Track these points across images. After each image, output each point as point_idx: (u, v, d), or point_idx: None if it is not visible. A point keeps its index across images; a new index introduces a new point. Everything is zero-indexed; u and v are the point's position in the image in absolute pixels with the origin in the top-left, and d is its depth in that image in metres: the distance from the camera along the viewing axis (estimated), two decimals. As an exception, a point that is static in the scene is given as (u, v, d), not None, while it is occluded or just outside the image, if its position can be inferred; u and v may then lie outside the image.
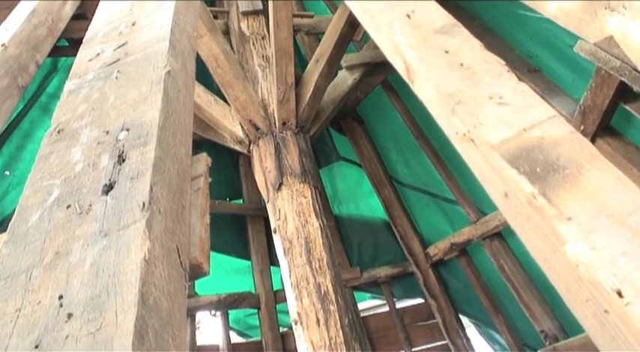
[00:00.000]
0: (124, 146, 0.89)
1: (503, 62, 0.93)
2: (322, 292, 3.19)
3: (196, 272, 0.86)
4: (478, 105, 0.76)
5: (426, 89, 1.02)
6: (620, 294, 0.49)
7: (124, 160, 0.86)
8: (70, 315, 0.66)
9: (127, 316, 0.63)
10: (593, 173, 0.61)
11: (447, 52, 1.03)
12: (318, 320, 3.14)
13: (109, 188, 0.82)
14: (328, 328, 3.11)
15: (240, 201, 5.55)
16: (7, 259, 0.78)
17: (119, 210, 0.78)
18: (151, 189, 0.79)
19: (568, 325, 4.30)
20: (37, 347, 0.64)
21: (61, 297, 0.69)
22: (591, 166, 0.62)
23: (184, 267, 0.80)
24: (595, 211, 0.58)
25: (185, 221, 0.87)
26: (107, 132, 0.95)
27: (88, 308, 0.66)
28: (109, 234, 0.74)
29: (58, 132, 1.01)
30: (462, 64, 0.96)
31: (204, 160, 1.06)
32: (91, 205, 0.80)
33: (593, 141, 3.37)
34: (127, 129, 0.93)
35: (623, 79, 2.60)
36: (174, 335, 0.70)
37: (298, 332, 3.23)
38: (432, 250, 5.10)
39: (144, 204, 0.76)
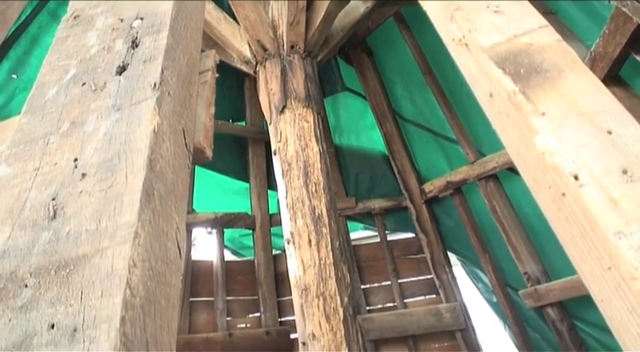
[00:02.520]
0: (137, 33, 0.94)
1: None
2: (316, 215, 3.29)
3: (199, 156, 0.92)
4: (475, 12, 0.80)
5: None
6: (576, 178, 0.55)
7: (137, 45, 0.91)
8: (84, 175, 0.72)
9: (136, 177, 0.69)
10: (571, 77, 0.66)
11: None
12: (310, 241, 3.24)
13: (122, 69, 0.87)
14: (319, 249, 3.22)
15: (243, 123, 5.58)
16: (26, 127, 0.84)
17: (132, 88, 0.83)
18: (162, 71, 0.84)
19: (551, 269, 4.42)
20: (53, 199, 0.71)
21: (76, 160, 0.75)
22: (571, 71, 0.67)
23: (189, 149, 0.87)
24: (567, 109, 0.63)
25: (192, 108, 0.92)
26: (122, 20, 0.99)
27: (100, 169, 0.72)
28: (121, 109, 0.80)
29: (75, 17, 1.04)
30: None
31: (212, 56, 1.10)
32: (105, 83, 0.86)
33: (598, 89, 3.37)
34: (141, 18, 0.97)
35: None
36: (176, 203, 0.77)
37: (290, 251, 3.34)
38: (427, 187, 5.18)
39: (155, 84, 0.81)
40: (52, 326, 0.57)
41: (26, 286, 0.62)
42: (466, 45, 0.76)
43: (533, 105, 0.64)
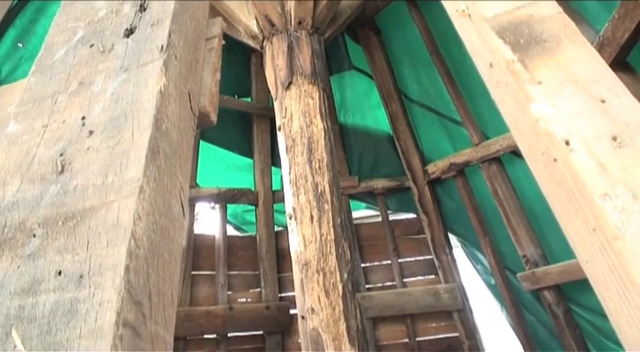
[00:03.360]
0: (145, -4, 0.95)
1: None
2: (319, 191, 3.31)
3: (204, 120, 0.94)
4: (479, -15, 0.81)
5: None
6: (567, 143, 0.57)
7: (145, 9, 0.92)
8: (91, 132, 0.75)
9: (142, 135, 0.71)
10: (569, 47, 0.67)
11: None
12: (312, 217, 3.27)
13: (130, 32, 0.88)
14: (321, 225, 3.25)
15: (249, 99, 5.58)
16: (35, 86, 0.86)
17: (139, 50, 0.84)
18: (169, 35, 0.85)
19: (550, 253, 4.45)
20: (61, 155, 0.73)
21: (83, 118, 0.77)
22: (569, 42, 0.68)
23: (194, 112, 0.88)
24: (563, 78, 0.64)
25: (198, 73, 0.94)
26: (130, -16, 1.00)
27: (107, 127, 0.74)
28: (129, 70, 0.82)
29: (83, -19, 1.05)
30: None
31: (219, 23, 1.12)
32: (113, 45, 0.87)
33: (605, 74, 3.36)
34: (150, -18, 0.98)
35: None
36: (181, 163, 0.79)
37: (292, 226, 3.38)
38: (430, 168, 5.19)
39: (162, 46, 0.83)
40: (59, 273, 0.60)
41: (34, 236, 0.65)
42: (469, 16, 0.77)
43: (531, 74, 0.65)
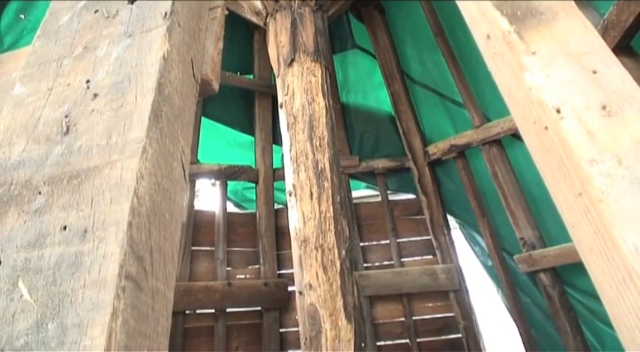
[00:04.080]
0: (149, -36, 0.95)
1: None
2: (319, 168, 3.32)
3: (206, 88, 0.95)
4: (480, -42, 0.82)
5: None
6: (558, 111, 0.59)
7: (149, -24, 0.93)
8: (95, 95, 0.76)
9: (145, 98, 0.73)
10: (565, 20, 0.69)
11: None
12: (311, 194, 3.29)
13: (134, -2, 0.89)
14: (320, 202, 3.27)
15: (251, 76, 5.57)
16: (40, 50, 0.87)
17: (143, 16, 0.86)
18: (173, 2, 0.86)
19: (547, 236, 4.48)
20: (66, 116, 0.75)
21: (88, 81, 0.79)
22: (566, 15, 0.69)
23: (196, 79, 0.90)
24: (557, 49, 0.66)
25: (200, 41, 0.95)
26: (135, -49, 1.00)
27: (111, 90, 0.76)
28: (133, 35, 0.83)
29: (87, -52, 1.06)
30: None
31: (222, -7, 1.13)
32: (117, 11, 0.88)
33: (608, 58, 3.36)
34: (154, -50, 0.98)
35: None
36: (183, 128, 0.81)
37: (292, 203, 3.40)
38: (431, 149, 5.20)
39: (166, 13, 0.84)
40: (64, 228, 0.62)
41: (40, 193, 0.67)
42: (469, -11, 0.79)
43: (526, 45, 0.67)
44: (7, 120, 0.77)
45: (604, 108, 0.60)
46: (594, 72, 0.64)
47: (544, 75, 0.63)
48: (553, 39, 0.66)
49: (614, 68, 0.64)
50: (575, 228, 0.61)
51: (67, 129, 0.73)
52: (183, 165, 0.77)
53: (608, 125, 0.59)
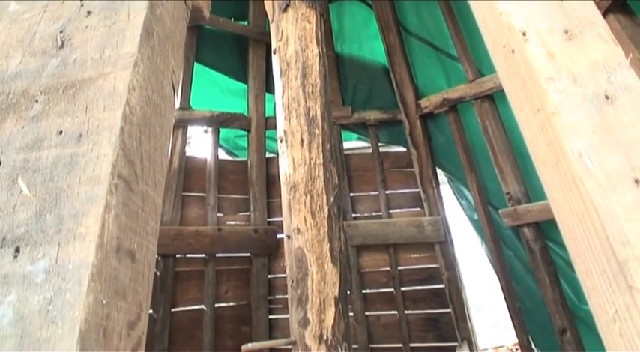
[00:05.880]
0: None
1: None
2: (310, 115, 3.35)
3: (197, 14, 0.98)
4: None
5: None
6: (524, 34, 0.63)
7: None
8: (89, 12, 0.79)
9: (137, 16, 0.76)
10: (539, -47, 0.72)
11: None
12: (302, 141, 3.32)
13: None
14: (310, 149, 3.31)
15: (245, 23, 5.51)
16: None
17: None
18: None
19: (532, 192, 4.57)
20: (61, 32, 0.78)
21: None
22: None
23: (187, 6, 0.93)
24: (529, -21, 0.69)
25: (192, -32, 0.97)
26: None
27: (105, 8, 0.79)
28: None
29: None
30: None
31: None
32: None
33: (604, 15, 3.36)
34: None
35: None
36: (173, 49, 0.84)
37: (282, 149, 3.43)
38: (423, 102, 5.21)
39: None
40: (60, 132, 0.66)
41: (37, 101, 0.71)
42: None
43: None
44: (4, 35, 0.80)
45: (566, 32, 0.64)
46: (561, -1, 0.67)
47: (516, 4, 0.67)
48: (526, -31, 0.70)
49: (580, -4, 0.67)
50: (532, 144, 0.65)
51: (62, 43, 0.76)
52: (173, 84, 0.81)
53: (568, 48, 0.63)
